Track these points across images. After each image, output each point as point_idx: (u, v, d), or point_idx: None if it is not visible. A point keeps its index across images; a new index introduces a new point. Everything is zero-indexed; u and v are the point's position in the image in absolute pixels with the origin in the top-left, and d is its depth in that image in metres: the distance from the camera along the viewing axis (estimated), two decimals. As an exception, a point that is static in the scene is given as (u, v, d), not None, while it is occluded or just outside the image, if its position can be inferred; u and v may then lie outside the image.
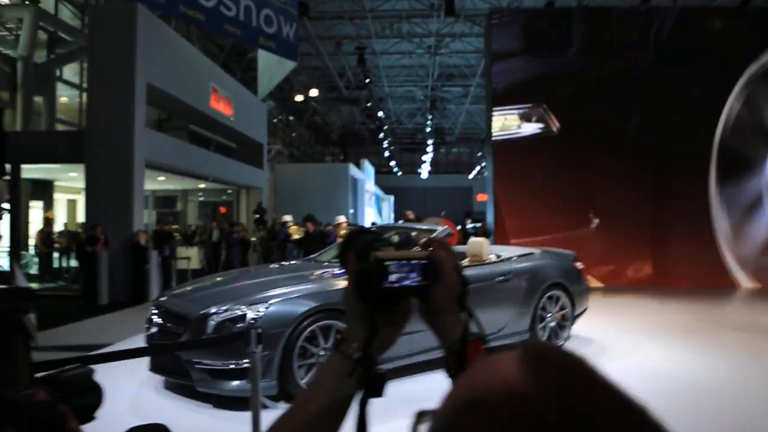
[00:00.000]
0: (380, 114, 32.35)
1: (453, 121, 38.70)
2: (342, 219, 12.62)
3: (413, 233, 6.86)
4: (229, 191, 22.73)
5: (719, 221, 12.71)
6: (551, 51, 12.94)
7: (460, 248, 7.63)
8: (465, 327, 0.84)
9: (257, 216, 18.30)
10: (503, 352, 0.51)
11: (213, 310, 4.98)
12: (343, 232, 11.72)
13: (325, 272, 5.96)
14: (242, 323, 4.84)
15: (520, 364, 0.46)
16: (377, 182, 39.71)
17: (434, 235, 6.43)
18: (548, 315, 6.88)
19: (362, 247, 0.89)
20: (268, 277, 6.06)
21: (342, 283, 5.52)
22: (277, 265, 7.28)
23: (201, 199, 24.30)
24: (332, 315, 5.13)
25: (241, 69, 24.87)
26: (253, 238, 16.40)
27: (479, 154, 45.40)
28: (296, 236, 12.97)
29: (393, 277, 0.83)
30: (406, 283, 0.84)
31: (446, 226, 6.99)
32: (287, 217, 13.69)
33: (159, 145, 13.69)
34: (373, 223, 19.45)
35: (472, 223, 22.37)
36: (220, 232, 17.72)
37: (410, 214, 11.02)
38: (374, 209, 36.44)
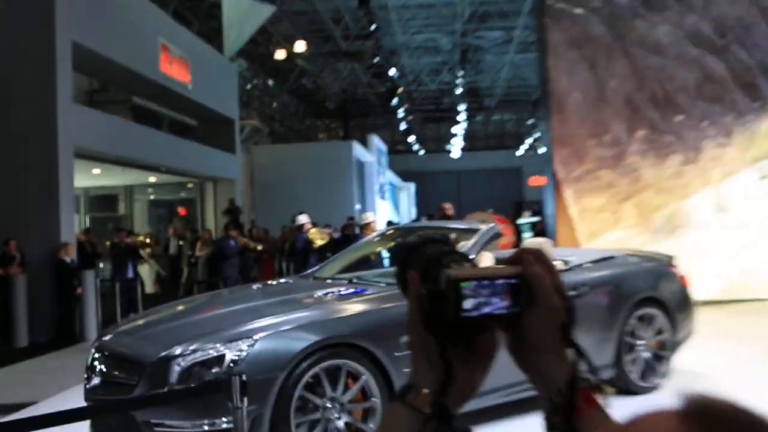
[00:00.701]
0: (392, 72, 32.27)
1: (492, 79, 38.60)
2: (371, 217, 12.93)
3: (451, 235, 6.84)
4: (190, 185, 22.81)
5: None
6: None
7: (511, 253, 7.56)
8: (572, 369, 0.87)
9: (229, 218, 18.34)
10: (657, 409, 0.53)
11: (177, 350, 4.99)
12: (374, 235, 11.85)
13: (328, 293, 5.99)
14: (218, 367, 4.86)
15: (683, 424, 0.48)
16: (392, 165, 39.74)
17: (478, 235, 6.46)
18: (639, 343, 6.85)
19: (429, 263, 0.93)
20: (251, 303, 6.09)
21: (354, 308, 5.55)
22: (261, 285, 7.35)
23: (151, 197, 24.41)
24: (342, 352, 5.15)
25: (199, 19, 24.94)
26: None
27: (530, 121, 45.23)
28: (320, 242, 13.02)
29: (471, 303, 0.87)
30: (489, 310, 0.88)
31: (493, 224, 6.93)
32: (303, 218, 13.79)
33: (92, 126, 13.73)
34: (389, 223, 19.41)
35: (530, 216, 22.27)
36: (178, 241, 17.80)
37: (449, 209, 11.10)
38: (389, 202, 36.40)
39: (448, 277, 0.87)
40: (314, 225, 15.76)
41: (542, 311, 0.88)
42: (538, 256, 0.91)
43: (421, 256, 0.96)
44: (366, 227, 12.59)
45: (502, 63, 35.36)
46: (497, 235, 6.67)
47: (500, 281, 0.88)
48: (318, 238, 13.41)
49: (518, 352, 0.91)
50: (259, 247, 16.29)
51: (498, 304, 0.87)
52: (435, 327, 0.89)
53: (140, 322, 6.03)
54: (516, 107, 46.46)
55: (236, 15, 19.88)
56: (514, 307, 0.88)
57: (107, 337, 5.69)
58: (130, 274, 13.91)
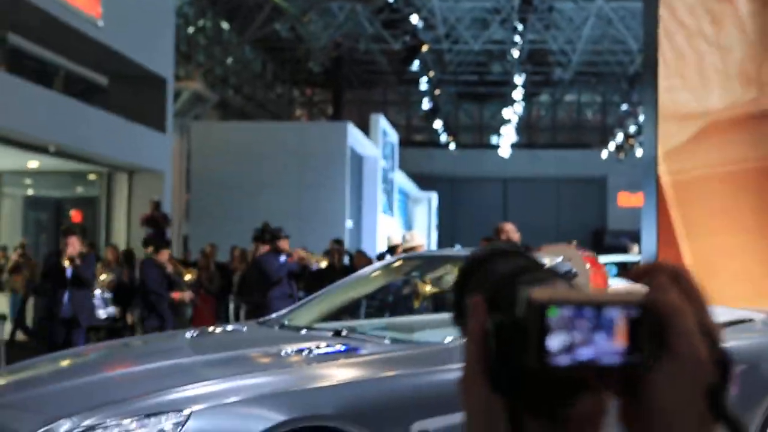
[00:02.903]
0: (414, 20, 32.38)
1: (568, 38, 38.72)
2: (419, 240, 13.20)
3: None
4: (91, 177, 22.78)
5: None
6: None
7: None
8: None
9: (151, 230, 18.30)
10: None
11: (63, 427, 4.92)
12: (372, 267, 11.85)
13: (301, 350, 5.98)
14: (127, 457, 4.85)
15: None
16: (404, 165, 39.63)
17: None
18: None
19: (501, 283, 0.93)
20: (178, 359, 6.08)
21: (341, 375, 5.52)
22: (196, 334, 7.34)
23: (28, 192, 24.37)
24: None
25: None
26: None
27: (624, 106, 45.27)
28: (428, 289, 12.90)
29: (563, 343, 0.84)
30: (592, 356, 0.84)
31: (568, 263, 6.96)
32: (416, 237, 13.68)
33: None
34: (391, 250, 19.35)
35: (634, 254, 22.27)
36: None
37: (512, 231, 11.32)
38: (398, 220, 36.29)
39: (528, 301, 0.84)
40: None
41: (680, 364, 0.85)
42: (677, 275, 0.89)
43: (489, 274, 0.95)
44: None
45: (584, 14, 35.47)
46: (572, 277, 6.68)
47: (612, 311, 0.84)
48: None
49: (637, 426, 0.88)
50: (324, 263, 16.14)
51: (607, 348, 0.84)
52: (504, 381, 0.86)
53: (1, 382, 5.99)
54: (602, 84, 46.54)
55: None
56: (634, 355, 0.84)
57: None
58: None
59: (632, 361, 0.84)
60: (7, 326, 16.30)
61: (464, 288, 0.96)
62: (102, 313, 14.37)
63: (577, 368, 0.83)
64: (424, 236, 20.35)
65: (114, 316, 15.04)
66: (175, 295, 14.51)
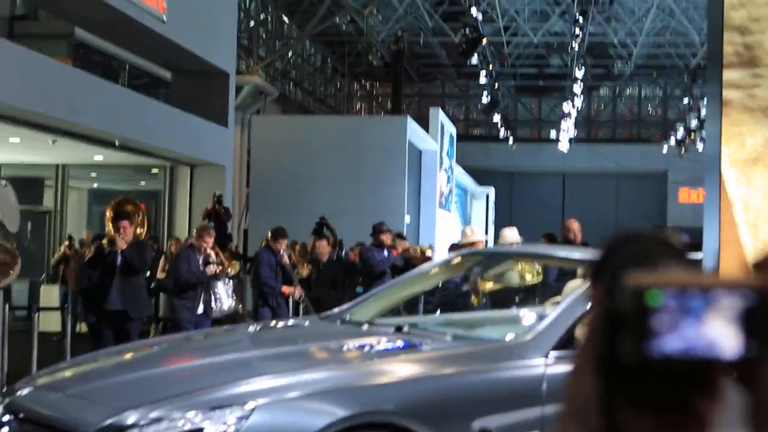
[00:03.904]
0: (474, 13, 32.23)
1: (630, 31, 38.34)
2: (479, 235, 12.93)
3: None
4: (155, 170, 22.90)
5: None
6: None
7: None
8: None
9: (212, 224, 18.33)
10: None
11: (131, 418, 5.00)
12: (433, 263, 11.66)
13: (363, 345, 6.02)
14: (191, 449, 4.89)
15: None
16: (461, 159, 39.33)
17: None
18: None
19: (618, 270, 0.85)
20: (241, 353, 6.16)
21: (402, 371, 5.54)
22: (259, 328, 7.40)
23: (94, 185, 24.50)
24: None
25: None
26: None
27: (685, 100, 44.72)
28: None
29: (665, 330, 0.79)
30: (697, 346, 0.79)
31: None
32: (469, 231, 13.50)
33: (10, 69, 13.85)
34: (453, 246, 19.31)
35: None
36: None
37: (576, 230, 11.16)
38: (456, 215, 36.13)
39: (629, 288, 0.81)
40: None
41: None
42: None
43: (613, 261, 0.93)
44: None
45: (646, 6, 35.12)
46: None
47: (724, 298, 0.79)
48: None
49: (754, 421, 0.82)
50: (429, 254, 16.09)
51: (715, 338, 0.79)
52: (608, 371, 0.83)
53: (68, 372, 6.06)
54: (663, 77, 45.96)
55: None
56: (747, 345, 0.79)
57: (23, 393, 5.73)
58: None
59: (745, 353, 0.78)
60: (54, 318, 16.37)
61: (595, 278, 0.94)
62: (225, 307, 14.04)
63: (681, 359, 0.79)
64: (483, 231, 20.22)
65: (233, 311, 14.77)
66: (286, 288, 14.38)
